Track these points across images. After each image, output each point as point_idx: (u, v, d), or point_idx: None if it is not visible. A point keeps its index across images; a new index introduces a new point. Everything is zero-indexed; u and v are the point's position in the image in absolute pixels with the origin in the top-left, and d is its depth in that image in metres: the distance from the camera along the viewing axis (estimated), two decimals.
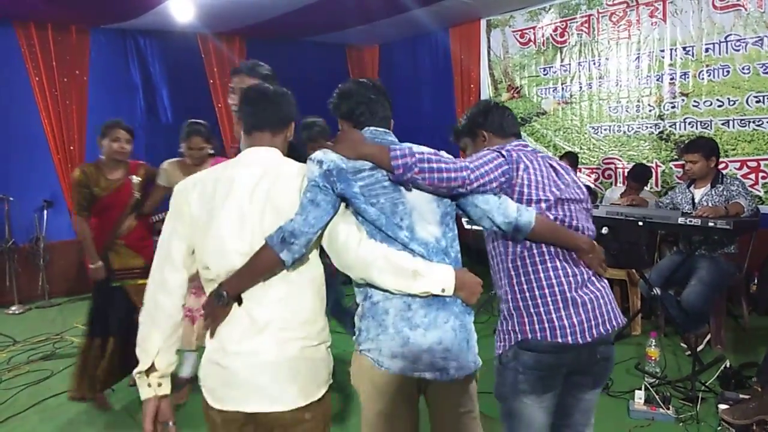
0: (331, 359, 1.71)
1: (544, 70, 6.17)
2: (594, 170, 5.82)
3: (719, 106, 4.87)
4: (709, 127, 4.93)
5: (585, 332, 1.77)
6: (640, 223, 3.75)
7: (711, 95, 4.91)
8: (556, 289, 1.79)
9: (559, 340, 1.76)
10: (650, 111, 5.34)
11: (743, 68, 4.69)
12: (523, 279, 1.81)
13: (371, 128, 1.77)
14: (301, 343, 1.61)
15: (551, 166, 1.91)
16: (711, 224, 3.39)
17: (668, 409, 3.05)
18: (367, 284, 1.68)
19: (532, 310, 1.79)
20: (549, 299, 1.78)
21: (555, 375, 1.83)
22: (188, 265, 1.65)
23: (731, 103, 4.79)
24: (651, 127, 5.35)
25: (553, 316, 1.77)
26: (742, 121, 4.74)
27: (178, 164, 3.37)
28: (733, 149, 4.80)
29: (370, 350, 1.69)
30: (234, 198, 1.59)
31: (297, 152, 1.85)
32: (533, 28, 6.17)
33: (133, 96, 6.28)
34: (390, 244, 1.64)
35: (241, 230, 1.58)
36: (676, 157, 5.15)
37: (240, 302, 1.59)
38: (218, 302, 1.57)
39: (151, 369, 1.60)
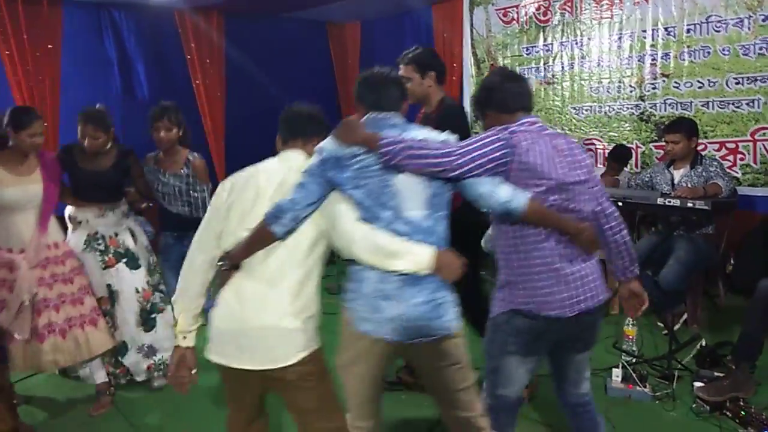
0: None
1: (526, 50, 6.13)
2: None
3: (699, 87, 4.88)
4: (689, 109, 4.95)
5: (573, 306, 1.96)
6: (620, 204, 3.77)
7: (691, 76, 4.92)
8: (547, 267, 1.95)
9: (549, 313, 1.95)
10: (631, 92, 5.34)
11: (723, 50, 4.71)
12: (519, 256, 1.98)
13: (373, 114, 1.95)
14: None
15: (556, 147, 1.97)
16: (690, 205, 3.43)
17: (645, 387, 3.11)
18: None
19: (525, 285, 1.98)
20: (540, 276, 1.95)
21: (541, 341, 2.05)
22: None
23: (711, 84, 4.81)
24: (632, 108, 5.36)
25: (543, 291, 1.95)
26: (722, 103, 4.77)
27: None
28: (713, 131, 4.83)
29: (350, 309, 1.94)
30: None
31: None
32: (516, 6, 6.11)
33: (108, 71, 6.10)
34: (375, 223, 1.83)
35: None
36: (656, 138, 5.17)
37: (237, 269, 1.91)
38: (221, 267, 1.94)
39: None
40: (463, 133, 2.16)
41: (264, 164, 2.01)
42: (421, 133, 1.92)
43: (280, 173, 1.94)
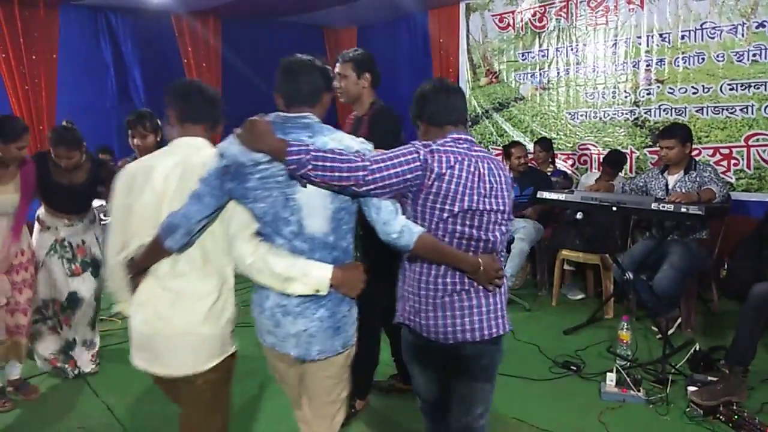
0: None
1: (522, 55, 6.17)
2: (570, 156, 5.86)
3: (694, 93, 4.91)
4: (683, 114, 4.98)
5: (454, 335, 1.90)
6: (614, 209, 3.79)
7: (686, 82, 4.95)
8: (431, 292, 1.90)
9: (426, 335, 1.94)
10: (626, 97, 5.37)
11: (718, 56, 4.74)
12: (411, 275, 1.94)
13: (282, 113, 1.78)
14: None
15: (478, 170, 1.85)
16: (683, 210, 3.44)
17: (639, 391, 3.11)
18: None
19: (411, 302, 1.96)
20: (423, 299, 1.91)
21: (428, 356, 2.02)
22: None
23: (705, 90, 4.84)
24: (626, 114, 5.39)
25: (422, 315, 1.92)
26: (716, 109, 4.80)
27: None
28: (707, 136, 4.86)
29: (256, 321, 1.90)
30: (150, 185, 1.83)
31: None
32: (512, 12, 6.15)
33: (104, 75, 6.12)
34: (275, 239, 1.76)
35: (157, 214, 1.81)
36: (650, 143, 5.20)
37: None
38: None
39: None
40: (394, 136, 2.09)
41: (159, 159, 1.88)
42: (334, 137, 1.76)
43: (177, 171, 1.82)
